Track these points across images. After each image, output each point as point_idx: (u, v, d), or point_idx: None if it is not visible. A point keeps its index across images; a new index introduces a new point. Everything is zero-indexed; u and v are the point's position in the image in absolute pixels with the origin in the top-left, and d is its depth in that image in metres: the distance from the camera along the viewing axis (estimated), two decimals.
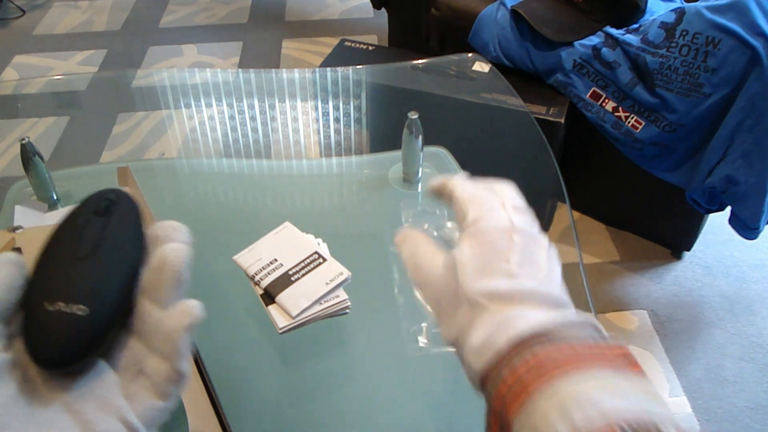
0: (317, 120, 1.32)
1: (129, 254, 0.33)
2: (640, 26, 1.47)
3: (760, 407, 1.38)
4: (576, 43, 1.49)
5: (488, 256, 0.35)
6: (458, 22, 1.66)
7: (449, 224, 0.81)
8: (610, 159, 1.55)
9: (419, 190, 0.87)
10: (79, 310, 0.29)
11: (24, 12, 2.85)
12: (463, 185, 0.41)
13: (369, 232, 0.83)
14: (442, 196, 0.42)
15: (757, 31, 1.26)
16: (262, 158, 1.25)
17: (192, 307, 0.31)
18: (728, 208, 1.41)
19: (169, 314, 0.31)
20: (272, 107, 1.32)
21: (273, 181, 0.94)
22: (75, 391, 0.29)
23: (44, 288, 0.30)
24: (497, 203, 0.38)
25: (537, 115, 1.46)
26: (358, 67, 1.29)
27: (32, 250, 0.55)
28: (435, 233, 0.80)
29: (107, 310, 0.30)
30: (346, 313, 0.64)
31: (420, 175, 0.87)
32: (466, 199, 0.39)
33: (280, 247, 0.68)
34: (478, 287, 0.34)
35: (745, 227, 1.38)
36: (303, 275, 0.65)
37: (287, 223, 0.71)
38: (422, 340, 0.65)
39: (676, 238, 1.69)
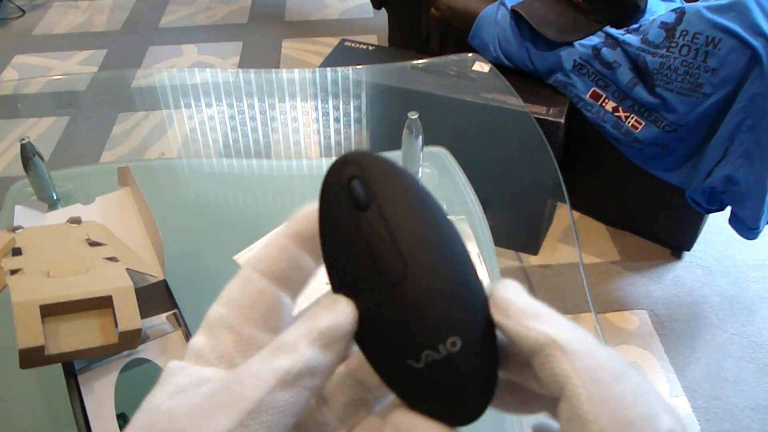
0: (317, 120, 1.32)
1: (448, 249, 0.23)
2: (640, 26, 1.47)
3: (760, 407, 1.38)
4: (576, 43, 1.49)
5: None
6: (458, 22, 1.66)
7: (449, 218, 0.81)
8: (610, 159, 1.55)
9: None
10: (452, 345, 0.22)
11: (24, 12, 2.85)
12: (575, 345, 0.22)
13: None
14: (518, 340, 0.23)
15: (757, 31, 1.26)
16: (262, 158, 1.25)
17: None
18: (728, 208, 1.41)
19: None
20: (272, 107, 1.32)
21: (273, 181, 0.94)
22: None
23: (384, 342, 0.23)
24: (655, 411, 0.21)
25: (537, 115, 1.46)
26: (358, 67, 1.29)
27: (35, 250, 0.54)
28: None
29: (478, 327, 0.23)
30: None
31: (420, 175, 0.87)
32: (586, 385, 0.21)
33: None
34: None
35: (745, 227, 1.38)
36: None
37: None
38: None
39: (676, 238, 1.69)
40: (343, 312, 0.23)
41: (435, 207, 0.24)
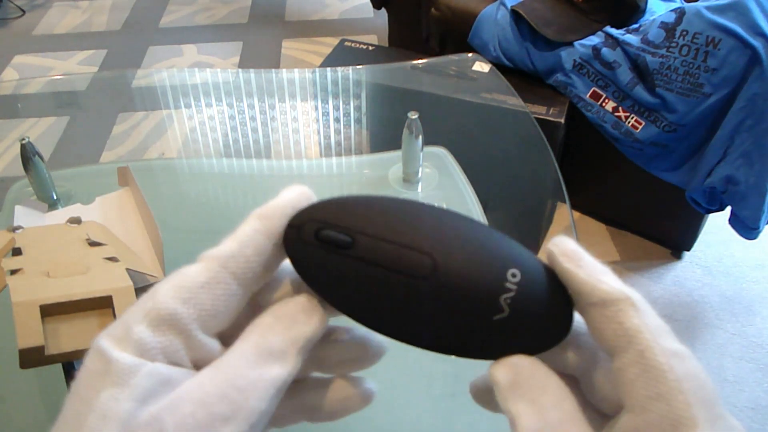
0: (317, 120, 1.32)
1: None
2: (640, 26, 1.47)
3: (760, 407, 1.38)
4: (576, 43, 1.49)
5: None
6: (458, 22, 1.66)
7: None
8: (610, 159, 1.55)
9: (419, 190, 0.87)
10: (513, 276, 0.23)
11: (24, 12, 2.85)
12: (646, 306, 0.22)
13: None
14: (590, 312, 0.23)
15: (757, 31, 1.26)
16: (262, 158, 1.25)
17: None
18: (728, 208, 1.41)
19: None
20: (272, 107, 1.32)
21: (273, 181, 0.94)
22: None
23: (462, 322, 0.23)
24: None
25: (537, 115, 1.46)
26: (358, 67, 1.29)
27: (35, 250, 0.54)
28: None
29: (522, 256, 0.25)
30: None
31: (420, 175, 0.87)
32: (682, 379, 0.21)
33: None
34: None
35: (745, 227, 1.38)
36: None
37: None
38: None
39: (676, 238, 1.69)
40: (322, 320, 0.24)
41: (400, 199, 0.24)
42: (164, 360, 0.22)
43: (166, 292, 0.23)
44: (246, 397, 0.21)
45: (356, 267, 0.23)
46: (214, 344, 0.23)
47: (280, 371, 0.22)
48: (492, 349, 0.23)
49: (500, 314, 0.23)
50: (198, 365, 0.23)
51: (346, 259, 0.23)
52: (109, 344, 0.21)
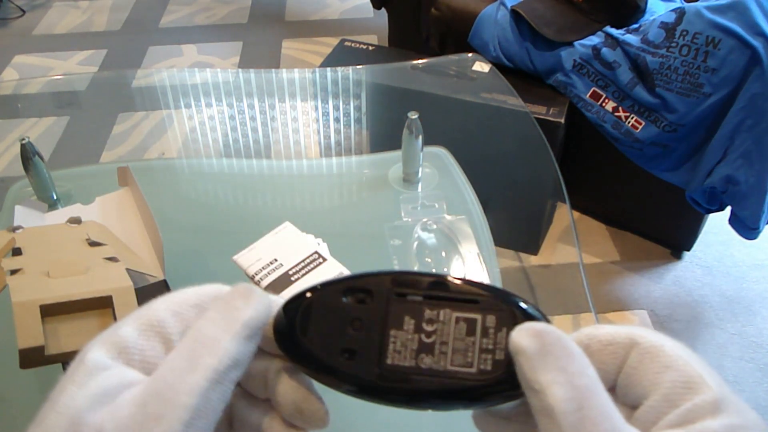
0: (317, 120, 1.32)
1: None
2: (640, 26, 1.47)
3: (760, 407, 1.38)
4: (576, 43, 1.49)
5: None
6: (458, 22, 1.66)
7: (448, 217, 0.81)
8: (610, 159, 1.55)
9: (419, 190, 0.87)
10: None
11: (24, 12, 2.85)
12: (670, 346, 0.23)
13: (369, 232, 0.83)
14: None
15: (757, 31, 1.26)
16: (262, 158, 1.25)
17: None
18: (728, 208, 1.41)
19: None
20: (272, 107, 1.32)
21: (273, 181, 0.94)
22: None
23: None
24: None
25: (537, 115, 1.46)
26: (358, 67, 1.29)
27: (35, 250, 0.54)
28: (435, 226, 0.80)
29: None
30: None
31: (420, 175, 0.87)
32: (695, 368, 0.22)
33: (280, 247, 0.68)
34: None
35: (745, 227, 1.38)
36: (303, 275, 0.65)
37: (287, 223, 0.71)
38: None
39: (676, 238, 1.69)
40: (262, 301, 0.24)
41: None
42: (140, 366, 0.22)
43: (161, 304, 0.23)
44: (176, 392, 0.20)
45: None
46: None
47: (209, 360, 0.21)
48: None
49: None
50: None
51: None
52: (92, 345, 0.22)
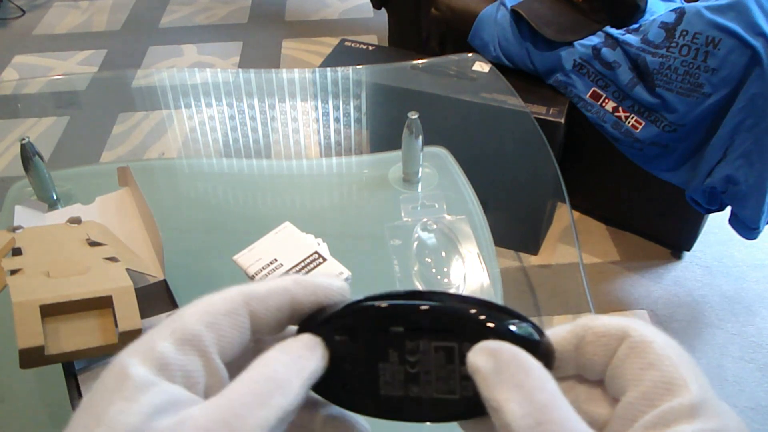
0: (317, 120, 1.32)
1: None
2: (640, 26, 1.47)
3: (760, 407, 1.38)
4: (576, 43, 1.49)
5: None
6: (458, 22, 1.66)
7: (448, 217, 0.81)
8: (610, 159, 1.55)
9: (419, 190, 0.87)
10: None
11: (24, 12, 2.85)
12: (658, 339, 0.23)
13: (369, 232, 0.83)
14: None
15: (757, 31, 1.26)
16: (262, 158, 1.25)
17: None
18: (728, 208, 1.41)
19: None
20: (272, 107, 1.32)
21: (273, 181, 0.94)
22: None
23: None
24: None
25: (537, 115, 1.46)
26: (358, 67, 1.29)
27: (35, 250, 0.54)
28: (435, 226, 0.80)
29: None
30: None
31: (420, 175, 0.87)
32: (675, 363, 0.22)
33: (280, 247, 0.68)
34: None
35: (745, 227, 1.38)
36: (303, 275, 0.65)
37: (287, 223, 0.71)
38: None
39: (676, 238, 1.69)
40: (323, 357, 0.25)
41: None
42: (182, 381, 0.22)
43: (192, 315, 0.23)
44: (245, 423, 0.21)
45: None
46: (225, 373, 0.24)
47: (281, 400, 0.22)
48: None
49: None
50: (209, 394, 0.23)
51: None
52: (130, 359, 0.22)
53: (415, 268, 0.75)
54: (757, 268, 1.68)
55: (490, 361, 0.22)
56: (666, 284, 1.63)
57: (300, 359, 0.24)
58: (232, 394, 0.22)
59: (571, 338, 0.24)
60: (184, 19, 2.78)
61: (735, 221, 1.40)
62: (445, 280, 0.75)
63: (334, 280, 0.27)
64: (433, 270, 0.76)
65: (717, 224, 1.68)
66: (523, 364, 0.22)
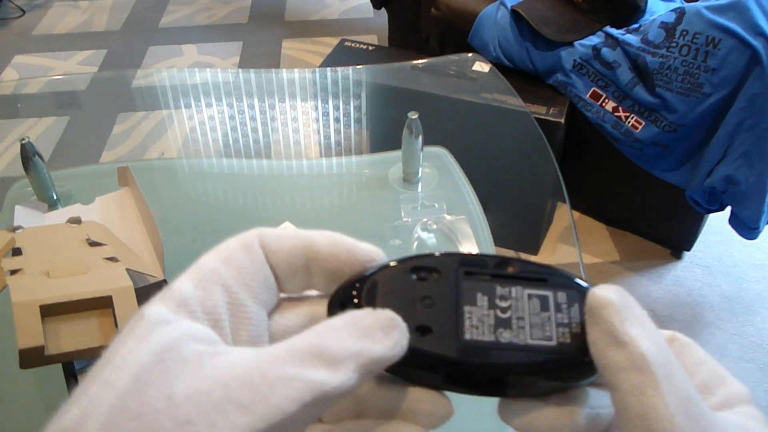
0: (317, 120, 1.32)
1: None
2: (640, 26, 1.47)
3: (760, 407, 1.38)
4: (576, 43, 1.49)
5: None
6: (458, 22, 1.66)
7: (448, 217, 0.81)
8: (610, 159, 1.55)
9: (419, 190, 0.87)
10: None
11: (24, 12, 2.85)
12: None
13: (369, 232, 0.83)
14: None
15: (757, 31, 1.26)
16: (262, 158, 1.25)
17: None
18: (728, 208, 1.41)
19: None
20: (272, 107, 1.32)
21: (273, 181, 0.94)
22: None
23: None
24: None
25: (537, 115, 1.46)
26: (358, 67, 1.29)
27: (35, 250, 0.54)
28: (435, 226, 0.80)
29: None
30: None
31: (420, 175, 0.87)
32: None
33: None
34: None
35: (745, 227, 1.38)
36: None
37: (287, 223, 0.71)
38: None
39: (676, 238, 1.69)
40: (400, 343, 0.21)
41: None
42: (205, 318, 0.21)
43: (208, 257, 0.23)
44: (273, 390, 0.18)
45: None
46: (260, 315, 0.22)
47: (325, 377, 0.19)
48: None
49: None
50: (237, 339, 0.21)
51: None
52: (146, 305, 0.21)
53: None
54: (757, 268, 1.68)
55: (620, 297, 0.22)
56: (666, 284, 1.63)
57: (365, 341, 0.20)
58: (266, 354, 0.19)
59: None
60: (184, 19, 2.78)
61: (735, 221, 1.40)
62: None
63: (375, 249, 0.24)
64: None
65: (717, 224, 1.68)
66: (641, 308, 0.22)
